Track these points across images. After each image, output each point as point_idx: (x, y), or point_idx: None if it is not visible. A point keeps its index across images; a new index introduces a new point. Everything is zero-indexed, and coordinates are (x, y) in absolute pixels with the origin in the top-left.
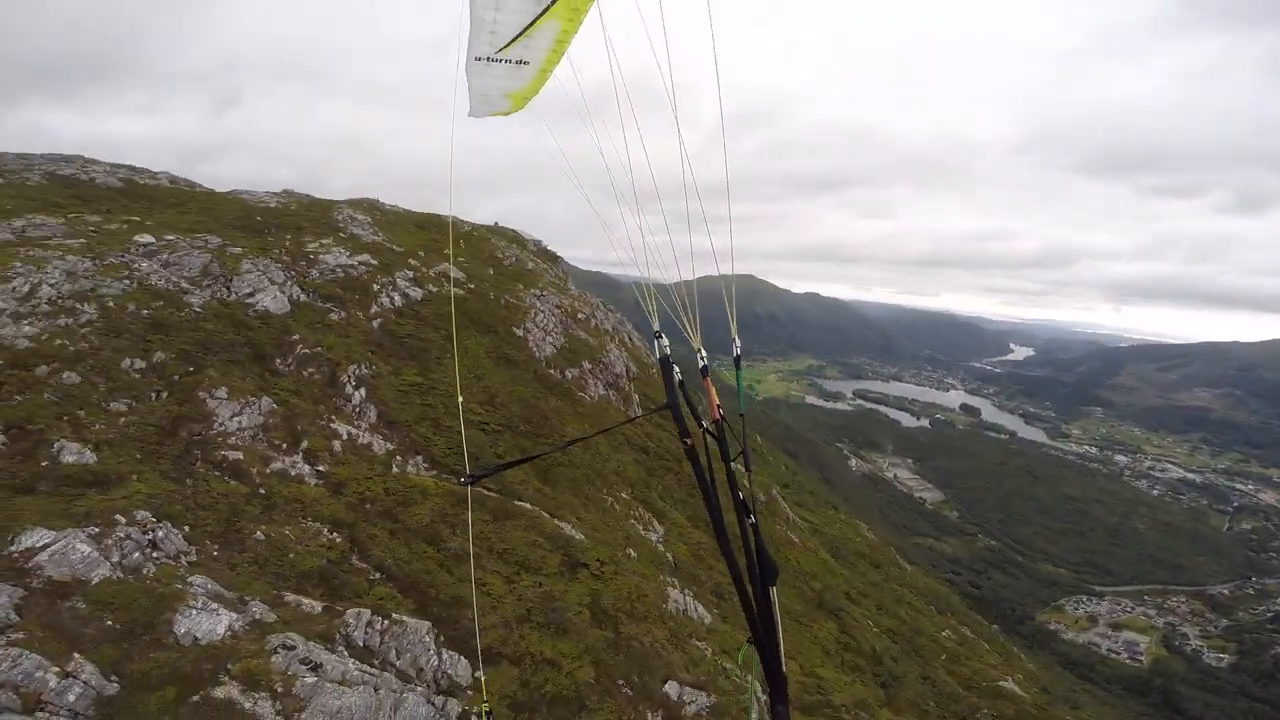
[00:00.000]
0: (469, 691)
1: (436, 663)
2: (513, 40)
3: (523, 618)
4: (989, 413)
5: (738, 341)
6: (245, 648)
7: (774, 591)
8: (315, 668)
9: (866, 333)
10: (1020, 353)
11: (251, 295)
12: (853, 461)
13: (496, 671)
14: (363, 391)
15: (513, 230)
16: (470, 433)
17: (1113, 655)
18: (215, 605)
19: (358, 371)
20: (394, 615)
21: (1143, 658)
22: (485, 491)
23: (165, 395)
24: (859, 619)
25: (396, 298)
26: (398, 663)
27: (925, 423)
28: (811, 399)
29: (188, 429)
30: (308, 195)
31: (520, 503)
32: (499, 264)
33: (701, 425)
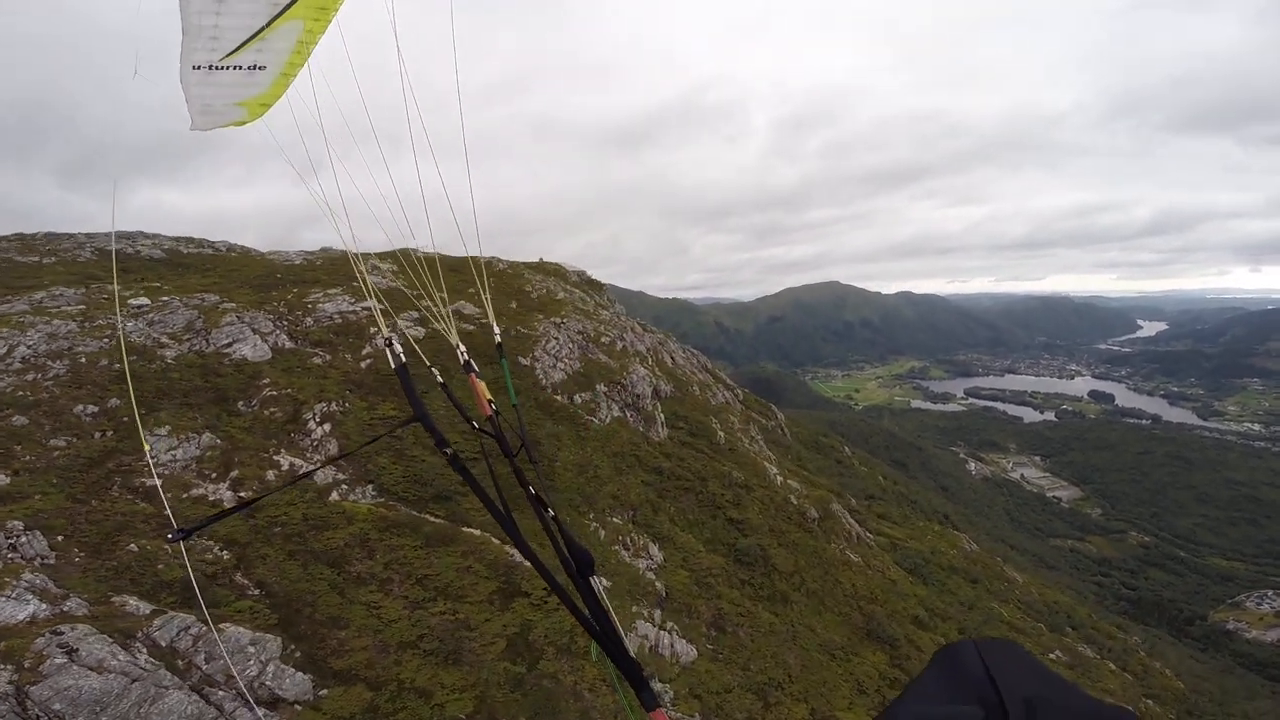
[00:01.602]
0: (296, 706)
1: (255, 673)
2: (242, 45)
3: (408, 644)
4: (1124, 397)
5: (497, 330)
6: (24, 630)
7: (596, 582)
8: (71, 652)
9: (970, 326)
10: (1151, 328)
11: (229, 345)
12: (971, 465)
13: (345, 692)
14: (326, 427)
15: (555, 264)
16: (435, 459)
17: None
18: (30, 597)
19: (325, 409)
20: (221, 625)
21: None
22: (430, 518)
23: (110, 434)
24: (925, 647)
25: (394, 339)
26: (204, 668)
27: (1050, 416)
28: (918, 403)
29: (117, 461)
30: (340, 250)
31: (469, 529)
32: (525, 297)
33: (475, 425)
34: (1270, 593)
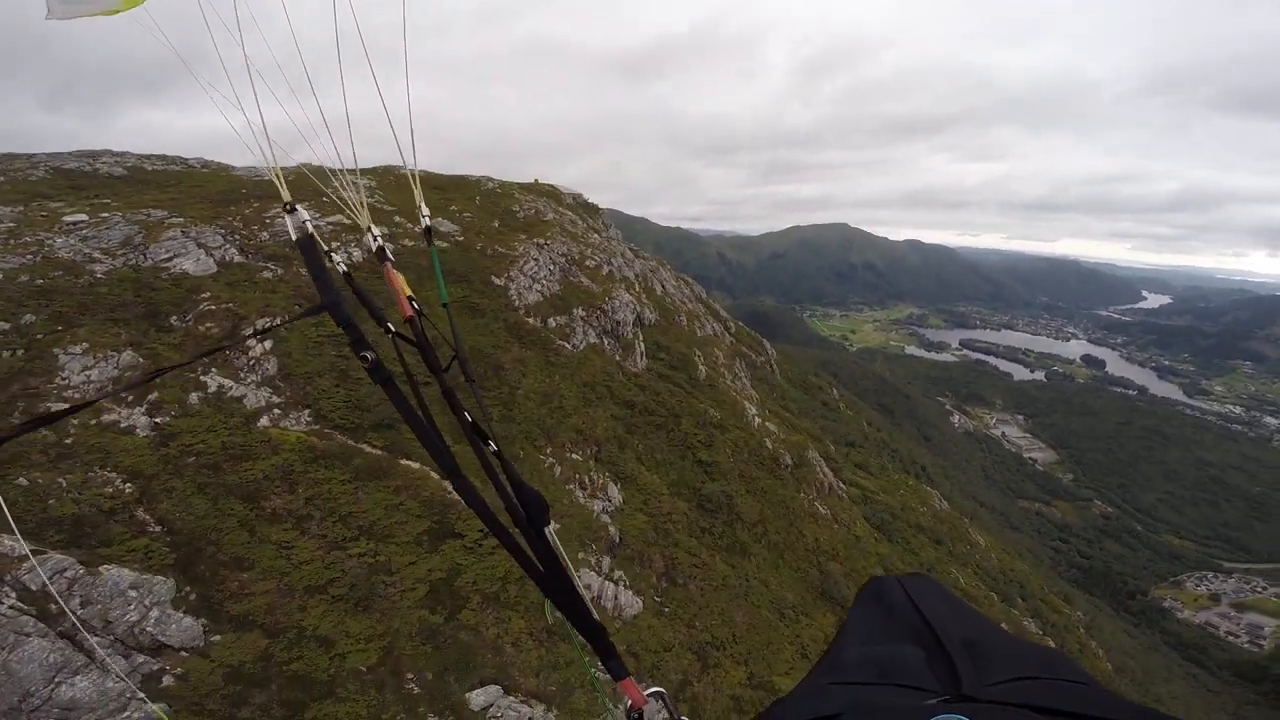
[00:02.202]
0: (182, 653)
1: (135, 618)
2: None
3: (315, 588)
4: (1115, 365)
5: (425, 209)
6: None
7: (550, 531)
8: None
9: (974, 280)
10: (1155, 300)
11: (170, 260)
12: (956, 418)
13: (238, 639)
14: (266, 344)
15: (550, 185)
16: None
17: (1230, 638)
18: None
19: (267, 324)
20: (102, 567)
21: (1264, 642)
22: (367, 448)
23: (20, 353)
24: None
25: (356, 253)
26: (80, 612)
27: (1040, 376)
28: (912, 349)
29: (23, 383)
30: (319, 165)
31: (408, 461)
32: (510, 217)
33: (390, 330)
34: (1210, 575)
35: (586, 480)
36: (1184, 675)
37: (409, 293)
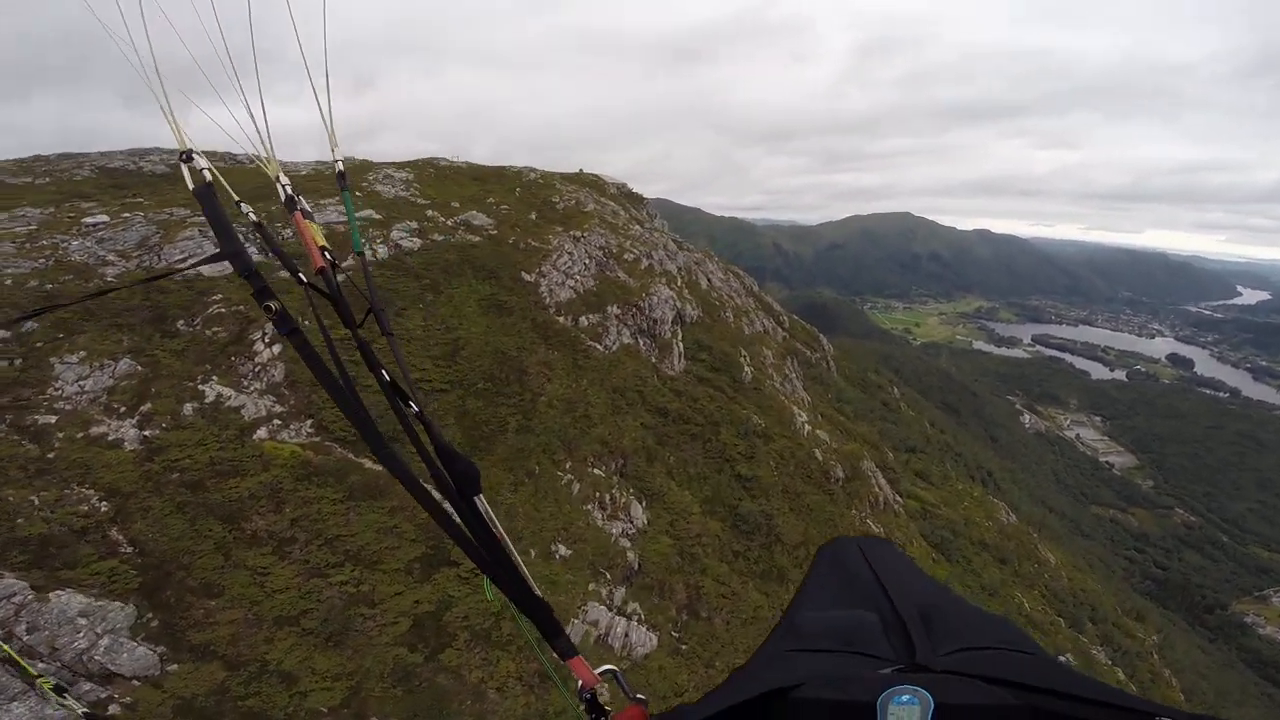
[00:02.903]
0: (134, 682)
1: (84, 646)
2: None
3: (286, 619)
4: (1205, 365)
5: (336, 154)
6: None
7: (481, 502)
8: None
9: (1049, 271)
10: (1251, 296)
11: (183, 261)
12: (1026, 418)
13: (195, 670)
14: (275, 349)
15: (594, 175)
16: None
17: None
18: None
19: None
20: (53, 592)
21: None
22: (366, 463)
23: (18, 362)
24: None
25: (382, 249)
26: (26, 638)
27: (1121, 375)
28: (980, 344)
29: (14, 394)
30: (359, 160)
31: None
32: (549, 209)
33: (302, 281)
34: None
35: (606, 499)
36: (1260, 695)
37: (322, 243)
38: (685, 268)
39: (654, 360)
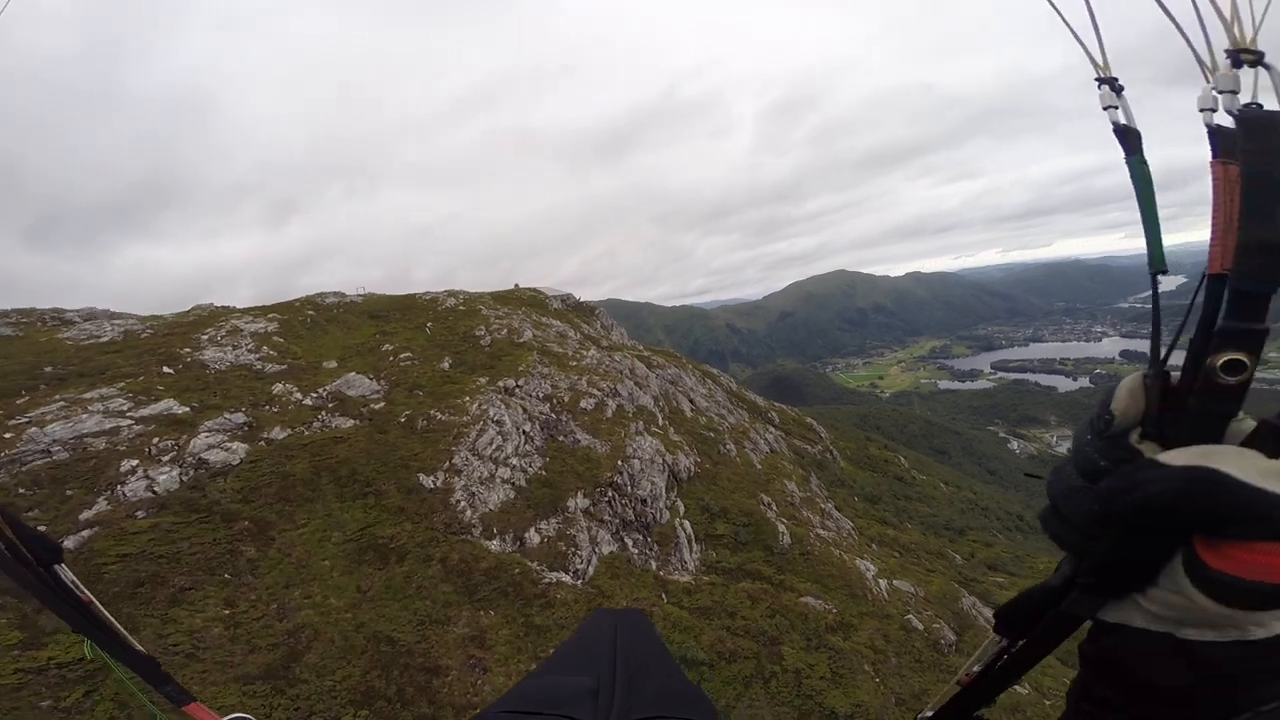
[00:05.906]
0: None
1: None
2: None
3: None
4: None
5: None
6: None
7: (64, 569)
8: None
9: (985, 298)
10: (1170, 282)
11: None
12: (1014, 444)
13: None
14: None
15: (531, 290)
16: None
17: None
18: None
19: None
20: None
21: None
22: None
23: None
24: None
25: (161, 478)
26: None
27: (1085, 382)
28: (945, 383)
29: None
30: (212, 304)
31: None
32: (470, 348)
33: None
34: None
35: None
36: None
37: None
38: (662, 395)
39: (654, 567)
